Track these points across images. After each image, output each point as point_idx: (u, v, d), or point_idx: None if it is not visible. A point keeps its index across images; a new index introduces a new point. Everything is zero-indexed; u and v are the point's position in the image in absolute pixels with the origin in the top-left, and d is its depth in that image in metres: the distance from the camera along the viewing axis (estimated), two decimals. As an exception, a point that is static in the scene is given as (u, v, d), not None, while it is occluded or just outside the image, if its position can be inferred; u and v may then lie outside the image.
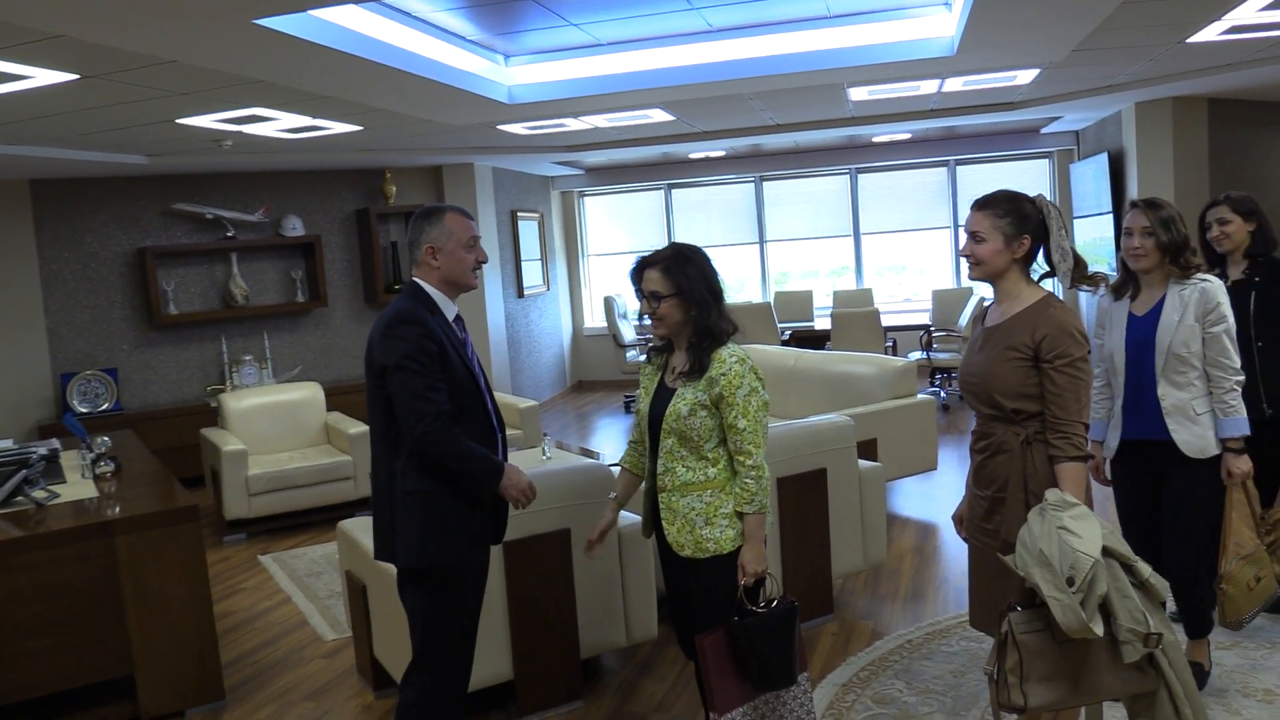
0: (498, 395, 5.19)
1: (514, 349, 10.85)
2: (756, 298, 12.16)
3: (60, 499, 4.30)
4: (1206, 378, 3.35)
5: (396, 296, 3.08)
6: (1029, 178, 11.46)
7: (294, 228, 9.14)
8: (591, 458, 6.01)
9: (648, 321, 3.07)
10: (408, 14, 5.01)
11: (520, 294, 11.07)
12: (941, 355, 9.65)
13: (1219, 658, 3.85)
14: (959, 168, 11.72)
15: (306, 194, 9.37)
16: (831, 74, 6.21)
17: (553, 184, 12.44)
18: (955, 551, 5.43)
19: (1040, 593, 2.52)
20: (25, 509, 4.16)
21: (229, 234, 8.86)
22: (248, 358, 8.92)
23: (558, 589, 3.79)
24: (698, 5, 5.27)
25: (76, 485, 4.59)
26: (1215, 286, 3.33)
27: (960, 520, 3.16)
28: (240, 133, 6.70)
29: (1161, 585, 2.59)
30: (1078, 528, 2.53)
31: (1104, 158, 9.33)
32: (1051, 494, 2.65)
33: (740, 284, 12.55)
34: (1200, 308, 3.30)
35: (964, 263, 2.99)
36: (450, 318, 3.06)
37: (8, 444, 5.14)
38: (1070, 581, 2.47)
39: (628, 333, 10.66)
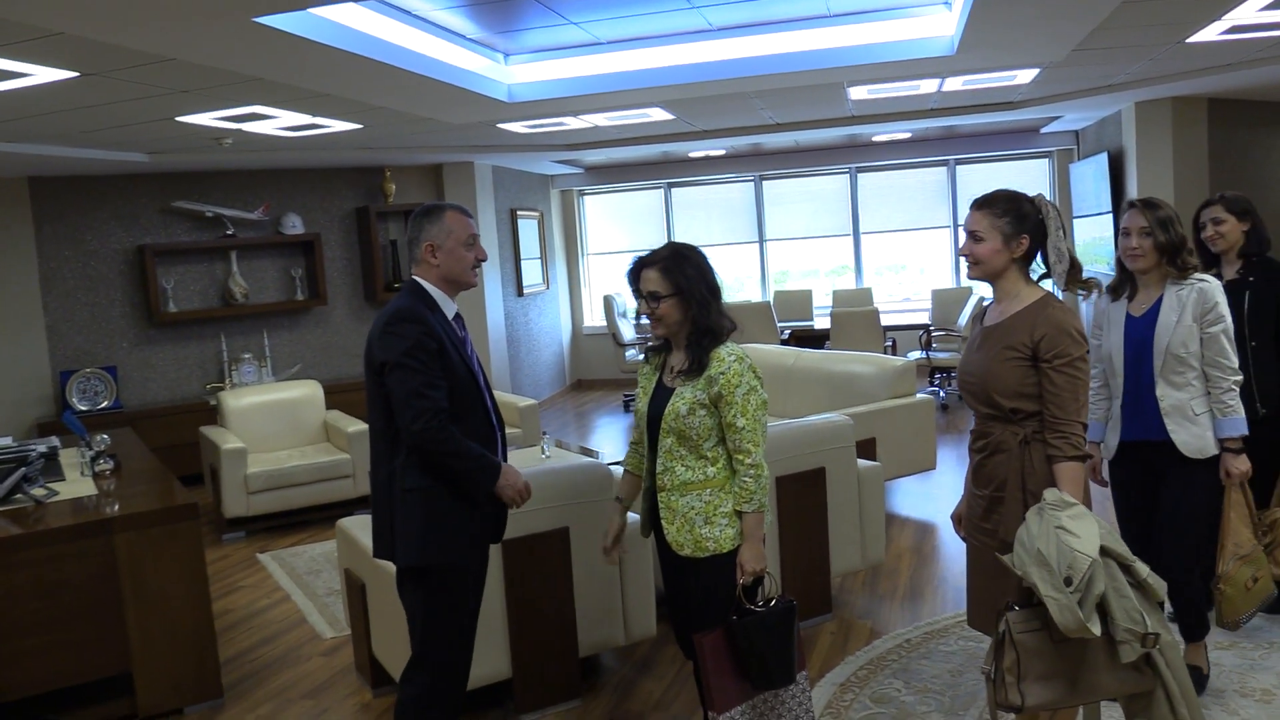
0: (497, 394, 5.19)
1: (513, 347, 10.86)
2: (756, 297, 12.16)
3: (59, 497, 4.31)
4: (1204, 378, 3.35)
5: (396, 294, 3.08)
6: (1029, 177, 11.46)
7: (294, 226, 9.14)
8: (591, 456, 6.01)
9: (645, 321, 3.07)
10: (407, 12, 5.01)
11: (520, 292, 11.07)
12: (941, 355, 9.65)
13: (1217, 658, 3.85)
14: (959, 167, 11.72)
15: (306, 192, 9.37)
16: (831, 73, 6.21)
17: (552, 183, 12.43)
18: (954, 551, 5.43)
19: (1038, 592, 2.52)
20: (24, 506, 4.16)
21: (229, 232, 8.86)
22: (247, 356, 8.92)
23: (556, 587, 3.79)
24: (698, 4, 5.27)
25: (75, 483, 4.59)
26: (1213, 286, 3.33)
27: (959, 519, 3.16)
28: (240, 131, 6.70)
29: (1159, 585, 2.59)
30: (1075, 527, 2.54)
31: (1104, 158, 9.34)
32: (1049, 493, 2.65)
33: (740, 283, 12.55)
34: (1198, 308, 3.30)
35: (963, 262, 2.99)
36: (450, 316, 3.07)
37: (7, 441, 5.14)
38: (1068, 581, 2.47)
39: (627, 332, 10.66)
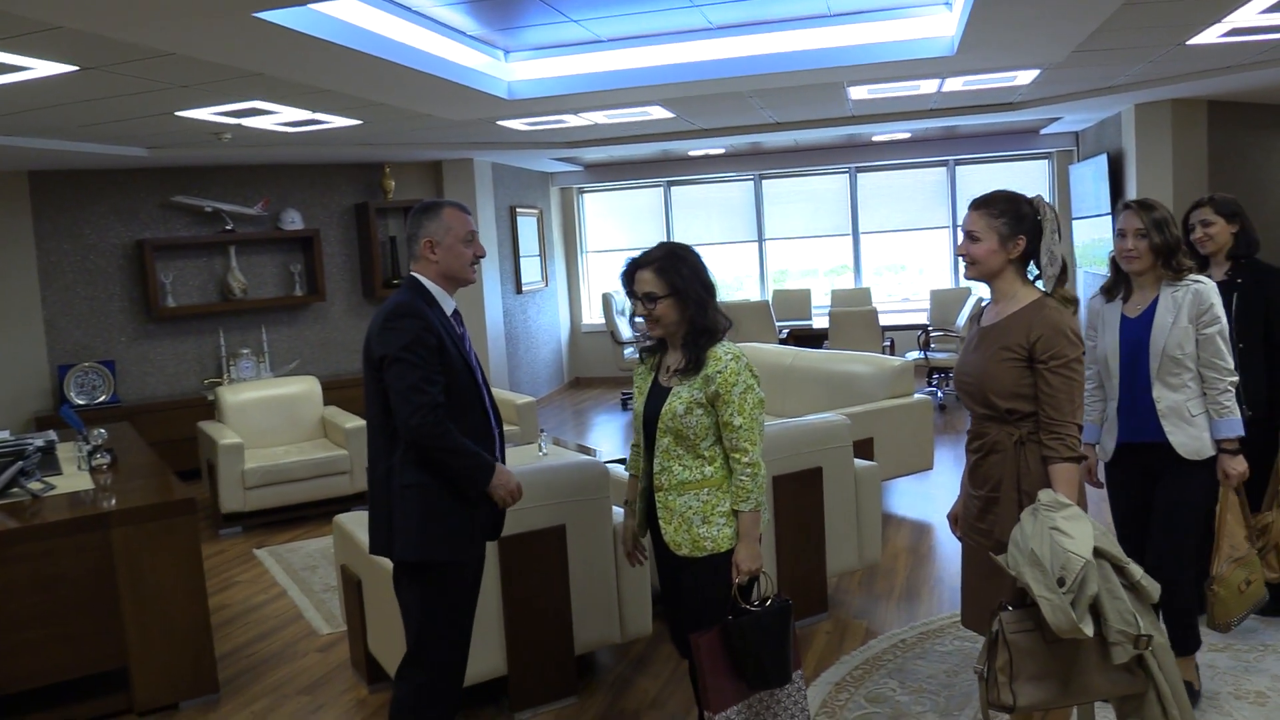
0: (495, 391, 5.19)
1: (512, 345, 10.86)
2: (755, 296, 12.17)
3: (56, 491, 4.30)
4: (1200, 379, 3.35)
5: (395, 290, 3.08)
6: (1028, 178, 11.47)
7: (293, 221, 9.14)
8: (588, 454, 6.01)
9: (640, 322, 3.05)
10: (408, 8, 5.00)
11: (519, 290, 11.07)
12: (939, 355, 9.65)
13: (1211, 659, 3.86)
14: (958, 168, 11.73)
15: (306, 188, 9.37)
16: (831, 73, 6.21)
17: (552, 180, 12.43)
18: (950, 551, 5.44)
19: (1031, 592, 2.53)
20: (21, 500, 4.16)
21: (228, 227, 8.86)
22: (245, 351, 8.92)
23: (553, 585, 3.79)
24: (698, 2, 5.27)
25: (72, 477, 4.59)
26: (1208, 288, 3.33)
27: (955, 519, 3.17)
28: (240, 126, 6.70)
29: (1153, 587, 2.59)
30: (1069, 528, 2.54)
31: (1103, 159, 9.34)
32: (1044, 494, 2.66)
33: (739, 282, 12.56)
34: (1194, 309, 3.30)
35: (961, 262, 3.00)
36: (448, 312, 3.07)
37: (4, 435, 5.14)
38: (1061, 582, 2.48)
39: (625, 330, 10.66)
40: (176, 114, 6.08)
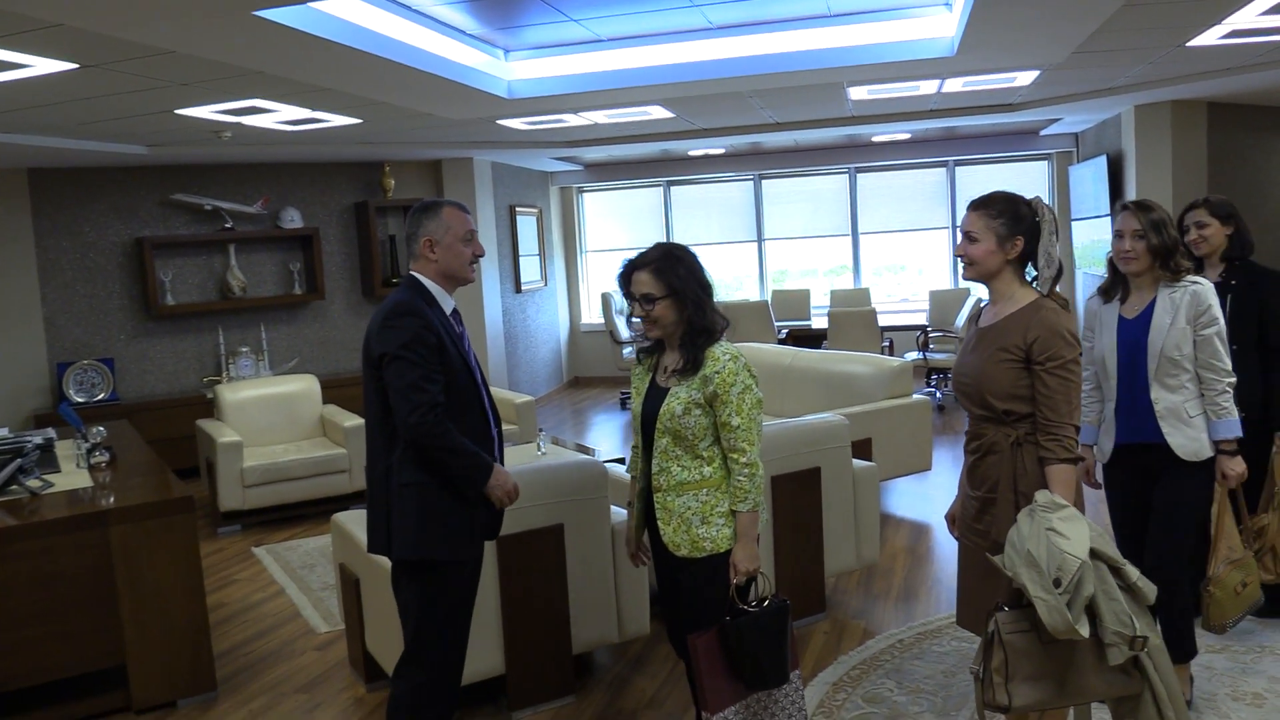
0: (494, 390, 5.19)
1: (511, 344, 10.86)
2: (754, 296, 12.18)
3: (55, 488, 4.30)
4: (1198, 380, 3.35)
5: (395, 289, 3.09)
6: (1028, 179, 11.47)
7: (292, 220, 9.14)
8: (587, 454, 6.02)
9: (636, 322, 3.05)
10: (408, 7, 5.01)
11: (518, 289, 11.07)
12: (938, 356, 9.66)
13: (1209, 660, 3.86)
14: (958, 168, 11.73)
15: (305, 186, 9.37)
16: (831, 73, 6.21)
17: (552, 179, 12.43)
18: (948, 552, 5.44)
19: (1027, 593, 2.53)
20: (19, 498, 4.16)
21: (227, 225, 8.86)
22: (244, 349, 8.92)
23: (550, 584, 3.80)
24: (698, 2, 5.27)
25: (71, 475, 4.59)
26: (1206, 289, 3.32)
27: (953, 519, 3.17)
28: (240, 124, 6.70)
29: (1149, 589, 2.59)
30: (1066, 529, 2.54)
31: (1103, 160, 9.34)
32: (1041, 495, 2.66)
33: (738, 282, 12.56)
34: (1191, 310, 3.30)
35: (960, 262, 3.00)
36: (448, 311, 3.07)
37: (3, 433, 5.14)
38: (1057, 583, 2.48)
39: (624, 329, 10.65)
40: (176, 112, 6.08)
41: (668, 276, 2.94)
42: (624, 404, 10.92)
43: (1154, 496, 3.44)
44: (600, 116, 7.76)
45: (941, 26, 5.70)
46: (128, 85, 5.16)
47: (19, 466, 4.28)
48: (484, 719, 3.87)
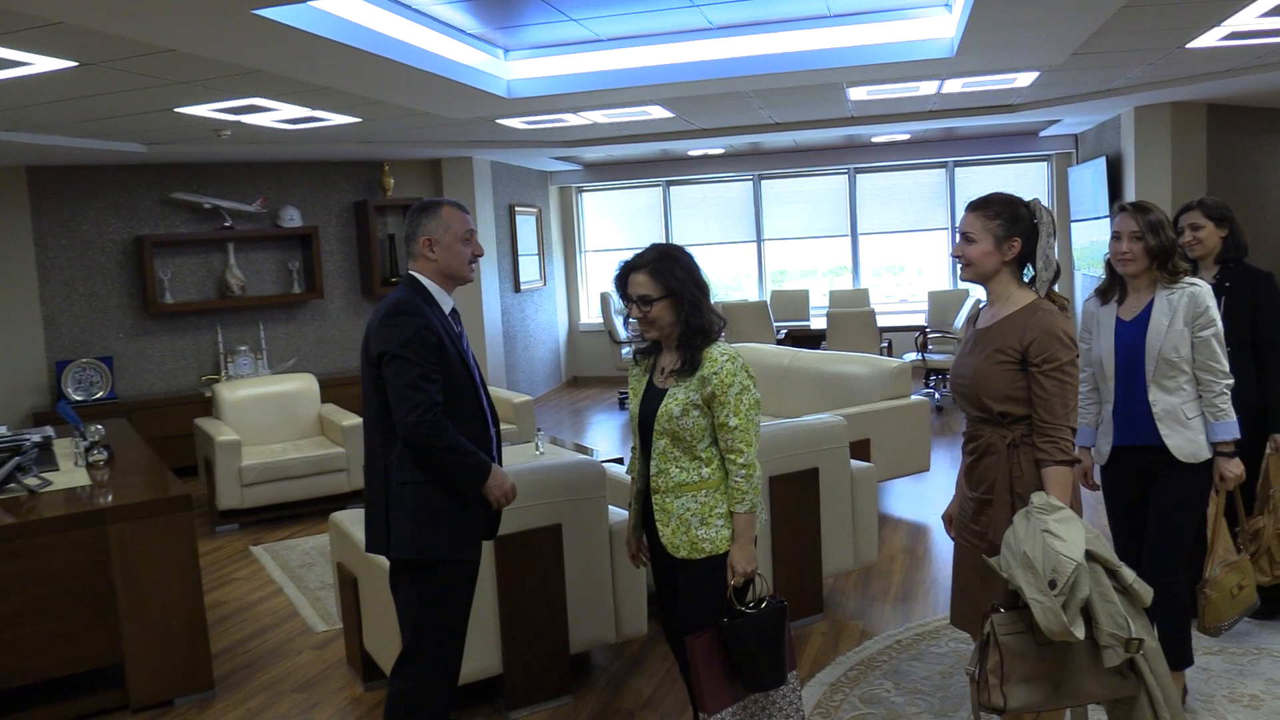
0: (492, 389, 5.19)
1: (510, 344, 10.86)
2: (753, 296, 12.19)
3: (53, 486, 4.30)
4: (1196, 382, 3.34)
5: (394, 289, 3.09)
6: (1027, 180, 11.48)
7: (291, 219, 9.13)
8: (585, 454, 6.02)
9: (633, 323, 3.04)
10: (407, 6, 5.00)
11: (517, 289, 11.07)
12: (936, 357, 9.66)
13: (1206, 662, 3.86)
14: (957, 169, 11.74)
15: (304, 185, 9.37)
16: (831, 73, 6.21)
17: (551, 179, 12.43)
18: (946, 553, 5.44)
19: (1023, 595, 2.53)
20: (18, 496, 4.15)
21: (226, 224, 8.85)
22: (243, 348, 8.91)
23: (548, 584, 3.80)
24: (698, 2, 5.27)
25: (69, 473, 4.59)
26: (1204, 290, 3.32)
27: (950, 520, 3.17)
28: (239, 123, 6.70)
29: (1145, 591, 2.59)
30: (1061, 531, 2.54)
31: (1102, 162, 9.35)
32: (1037, 497, 2.66)
33: (737, 282, 12.56)
34: (1189, 312, 3.29)
35: (958, 264, 3.00)
36: (446, 311, 3.07)
37: (2, 431, 5.14)
38: (1052, 584, 2.48)
39: (623, 329, 10.66)
40: (175, 110, 6.08)
41: (665, 277, 2.93)
42: (623, 404, 10.92)
43: (1152, 498, 3.43)
44: (600, 116, 7.76)
45: (941, 27, 5.70)
46: (127, 83, 5.16)
47: (17, 465, 4.27)
48: (481, 719, 3.87)
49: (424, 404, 2.85)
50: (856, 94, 7.36)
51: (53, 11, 3.70)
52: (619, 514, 4.01)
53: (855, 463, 4.80)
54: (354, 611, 4.15)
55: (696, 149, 10.92)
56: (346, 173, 9.55)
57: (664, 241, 3.07)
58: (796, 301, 11.47)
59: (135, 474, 4.59)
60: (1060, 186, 11.27)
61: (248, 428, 7.17)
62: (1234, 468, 3.38)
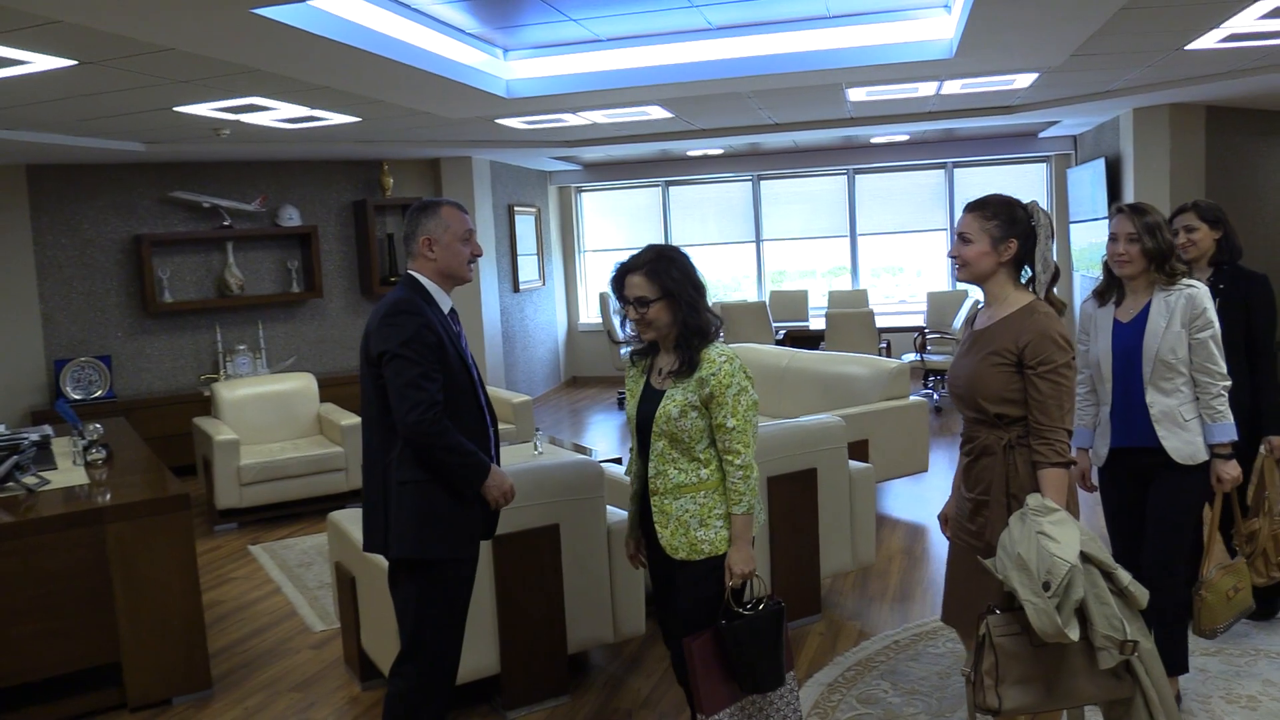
0: (491, 389, 5.22)
1: (508, 343, 10.86)
2: (752, 296, 12.18)
3: (51, 485, 4.30)
4: (1193, 383, 3.35)
5: (393, 288, 3.09)
6: (1026, 181, 11.48)
7: (290, 218, 9.13)
8: (583, 454, 6.02)
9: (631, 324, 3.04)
10: (407, 5, 5.00)
11: (516, 288, 11.07)
12: (935, 357, 9.66)
13: (1203, 663, 3.87)
14: (956, 170, 11.74)
15: (304, 184, 9.36)
16: (830, 74, 6.22)
17: (550, 179, 12.43)
18: (944, 554, 5.40)
19: (1018, 596, 2.53)
20: (16, 495, 4.16)
21: (225, 223, 8.85)
22: (242, 347, 8.91)
23: (546, 584, 3.80)
24: (697, 3, 5.27)
25: (68, 472, 4.59)
26: (1201, 292, 3.32)
27: (945, 519, 3.18)
28: (238, 122, 6.70)
29: (1141, 593, 2.59)
30: (1056, 533, 2.55)
31: (1101, 163, 9.35)
32: (1032, 499, 2.66)
33: (736, 282, 12.57)
34: (1187, 314, 3.29)
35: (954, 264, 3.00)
36: (445, 310, 3.08)
37: (0, 429, 5.14)
38: (1046, 586, 2.48)
39: (622, 329, 10.64)
40: (175, 109, 6.08)
41: (661, 278, 2.92)
42: (621, 404, 10.92)
43: (1149, 501, 3.43)
44: (599, 116, 7.76)
45: (940, 28, 5.70)
46: (126, 82, 5.16)
47: (15, 463, 4.28)
48: (478, 718, 3.87)
49: (425, 403, 2.85)
50: (856, 95, 7.36)
51: (52, 10, 3.70)
52: (617, 514, 4.01)
53: (854, 463, 4.80)
54: (352, 611, 4.15)
55: (696, 149, 10.92)
56: (346, 172, 9.55)
57: (662, 242, 3.07)
58: (795, 302, 11.47)
59: (133, 473, 4.59)
60: (1059, 188, 11.27)
61: (246, 427, 7.17)
62: (1231, 470, 3.37)
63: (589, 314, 12.85)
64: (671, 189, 12.53)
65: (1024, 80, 7.00)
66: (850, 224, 12.08)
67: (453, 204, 3.12)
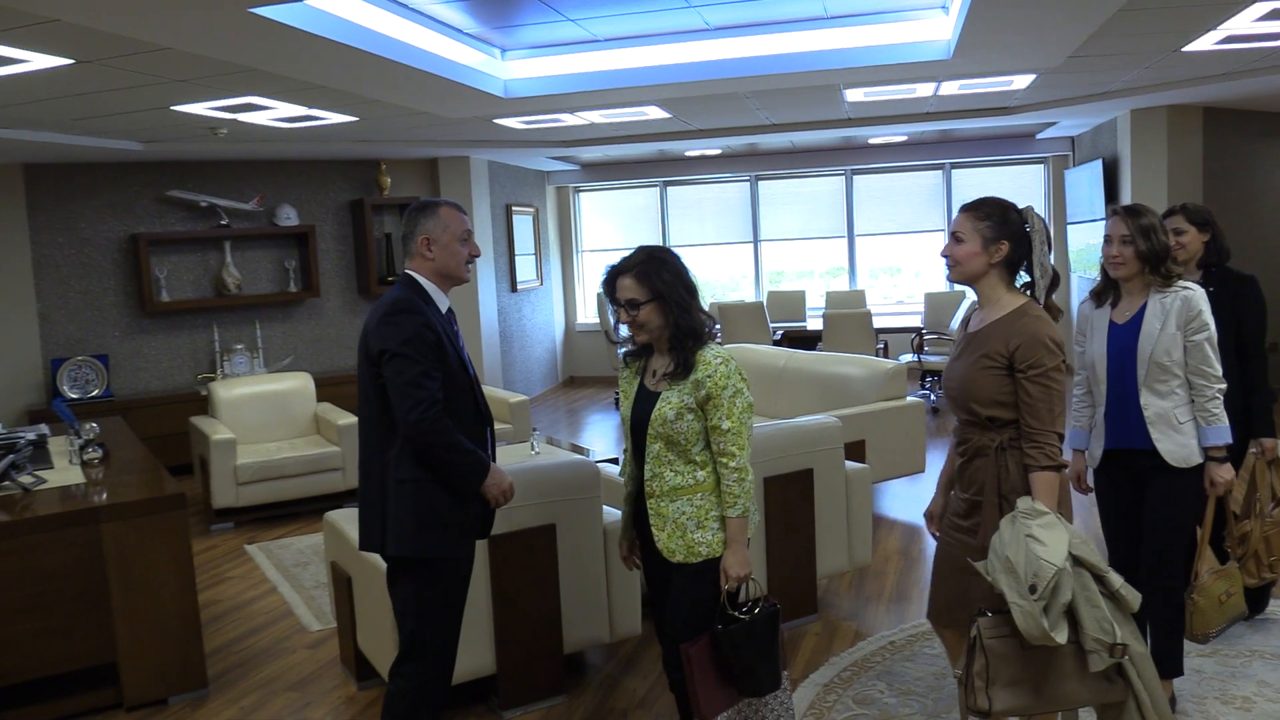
0: (487, 389, 5.22)
1: (506, 343, 10.86)
2: (749, 297, 12.19)
3: (47, 485, 4.30)
4: (1189, 386, 3.35)
5: (391, 288, 3.10)
6: (1024, 183, 11.50)
7: (288, 217, 9.13)
8: (580, 454, 6.02)
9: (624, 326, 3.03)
10: (405, 5, 5.00)
11: (513, 288, 11.07)
12: (932, 358, 9.67)
13: (1198, 664, 3.87)
14: (954, 171, 11.75)
15: (301, 184, 9.36)
16: (828, 75, 6.22)
17: (548, 179, 12.43)
18: (940, 554, 5.44)
19: (1006, 598, 2.54)
20: (12, 494, 4.15)
21: (223, 222, 8.85)
22: (239, 347, 8.91)
23: (542, 584, 3.80)
24: (695, 3, 5.27)
25: (64, 471, 4.59)
26: (1197, 295, 3.32)
27: (932, 517, 3.19)
28: (235, 121, 6.70)
29: (1132, 596, 2.60)
30: (1044, 536, 2.55)
31: (1098, 164, 9.36)
32: (1022, 502, 2.67)
33: (734, 283, 12.57)
34: (1182, 316, 3.29)
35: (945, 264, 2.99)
36: (443, 310, 3.08)
37: (-4, 428, 5.14)
38: (1033, 589, 2.48)
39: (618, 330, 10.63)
40: (172, 108, 6.08)
41: (651, 280, 2.92)
42: (619, 404, 10.90)
43: (1145, 504, 3.43)
44: (597, 116, 7.76)
45: (938, 29, 5.71)
46: (123, 81, 5.15)
47: (12, 463, 4.28)
48: (475, 718, 3.88)
49: (425, 401, 2.86)
50: (853, 95, 7.37)
51: (50, 9, 3.70)
52: (614, 514, 4.01)
53: (850, 464, 4.81)
54: (348, 611, 4.15)
55: (693, 149, 10.92)
56: (343, 171, 9.54)
57: (654, 244, 3.06)
58: (793, 302, 11.48)
59: (130, 472, 4.59)
60: (1057, 189, 11.28)
61: (243, 426, 7.17)
62: (1225, 473, 3.37)
63: (586, 314, 12.85)
64: (669, 189, 12.54)
65: (1022, 81, 7.01)
66: (848, 225, 12.09)
67: (451, 204, 3.13)
